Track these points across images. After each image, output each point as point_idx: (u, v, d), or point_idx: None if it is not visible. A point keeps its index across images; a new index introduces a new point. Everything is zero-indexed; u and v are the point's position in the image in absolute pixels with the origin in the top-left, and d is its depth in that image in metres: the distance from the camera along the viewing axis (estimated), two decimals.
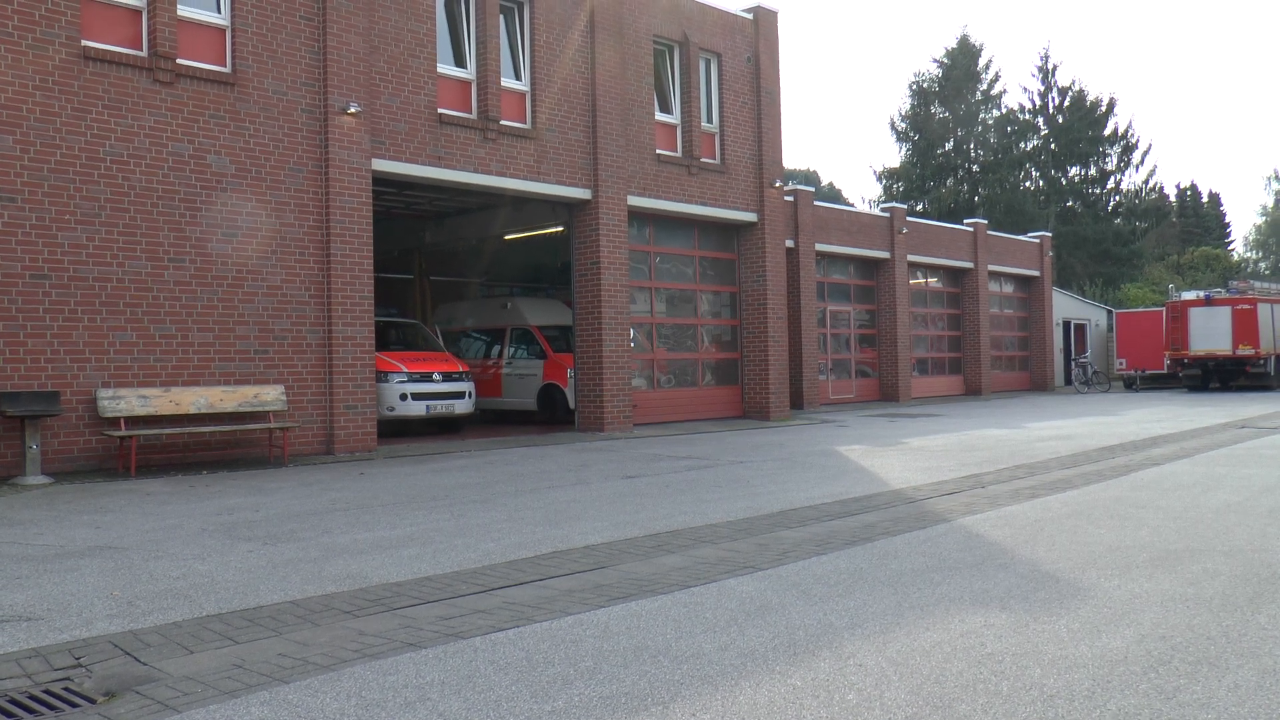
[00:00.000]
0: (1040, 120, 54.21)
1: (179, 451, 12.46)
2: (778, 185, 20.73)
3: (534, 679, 4.02)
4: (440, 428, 17.62)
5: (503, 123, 15.93)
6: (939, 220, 39.79)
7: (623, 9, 17.80)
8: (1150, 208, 54.55)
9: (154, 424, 12.03)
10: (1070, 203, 53.14)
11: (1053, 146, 53.30)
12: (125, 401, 11.65)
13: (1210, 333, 29.77)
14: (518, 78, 16.52)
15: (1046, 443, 13.82)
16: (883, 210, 29.39)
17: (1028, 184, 54.06)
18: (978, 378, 30.43)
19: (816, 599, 5.25)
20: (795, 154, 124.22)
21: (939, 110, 54.15)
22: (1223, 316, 29.64)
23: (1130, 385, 33.93)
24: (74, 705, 3.83)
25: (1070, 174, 53.85)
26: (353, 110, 13.71)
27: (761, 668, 4.12)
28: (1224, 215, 74.34)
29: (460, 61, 15.82)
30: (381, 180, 14.95)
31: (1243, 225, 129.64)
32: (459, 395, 16.84)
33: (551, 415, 19.20)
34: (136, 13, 12.25)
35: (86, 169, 11.69)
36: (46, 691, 3.99)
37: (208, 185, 12.62)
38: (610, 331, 17.30)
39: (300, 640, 4.64)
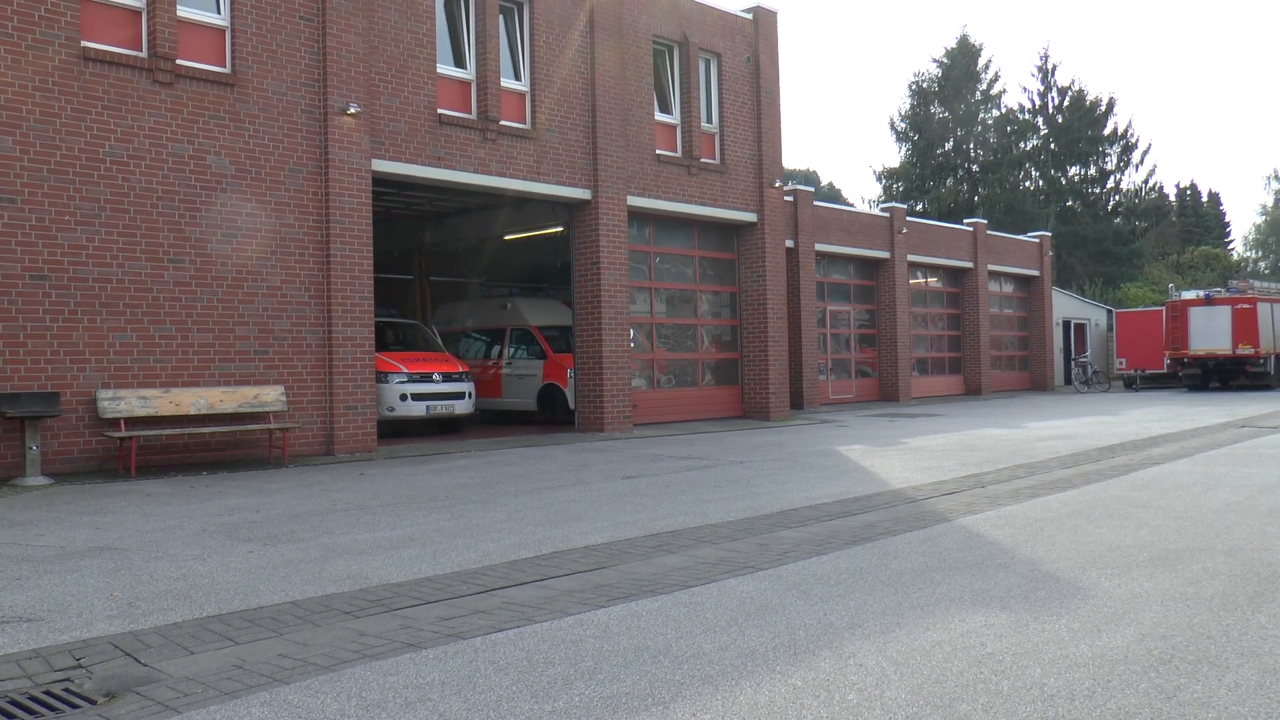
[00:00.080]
0: (1040, 120, 54.24)
1: (179, 452, 12.46)
2: (777, 185, 20.73)
3: (534, 679, 4.02)
4: (440, 428, 17.61)
5: (502, 123, 15.93)
6: (939, 220, 39.80)
7: (622, 9, 17.80)
8: (1150, 207, 54.57)
9: (154, 425, 12.02)
10: (1070, 202, 53.16)
11: (1052, 146, 53.32)
12: (125, 402, 11.65)
13: (1210, 332, 29.77)
14: (517, 78, 16.53)
15: (1046, 442, 13.82)
16: (882, 210, 29.39)
17: (1027, 184, 54.09)
18: (978, 377, 30.43)
19: (817, 599, 5.25)
20: (795, 154, 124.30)
21: (939, 110, 54.17)
22: (1222, 316, 29.65)
23: (1130, 385, 33.93)
24: (74, 706, 3.83)
25: (1070, 174, 53.88)
26: (352, 111, 13.72)
27: (762, 668, 4.12)
28: (1224, 215, 74.39)
29: (460, 62, 15.82)
30: (381, 180, 14.95)
31: (1242, 225, 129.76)
32: (459, 396, 16.84)
33: (551, 415, 19.20)
34: (136, 13, 12.25)
35: (86, 170, 11.69)
36: (47, 692, 3.99)
37: (207, 186, 12.62)
38: (610, 331, 17.30)
39: (300, 641, 4.64)
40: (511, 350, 20.22)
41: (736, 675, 4.03)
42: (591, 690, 3.88)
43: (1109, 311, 37.95)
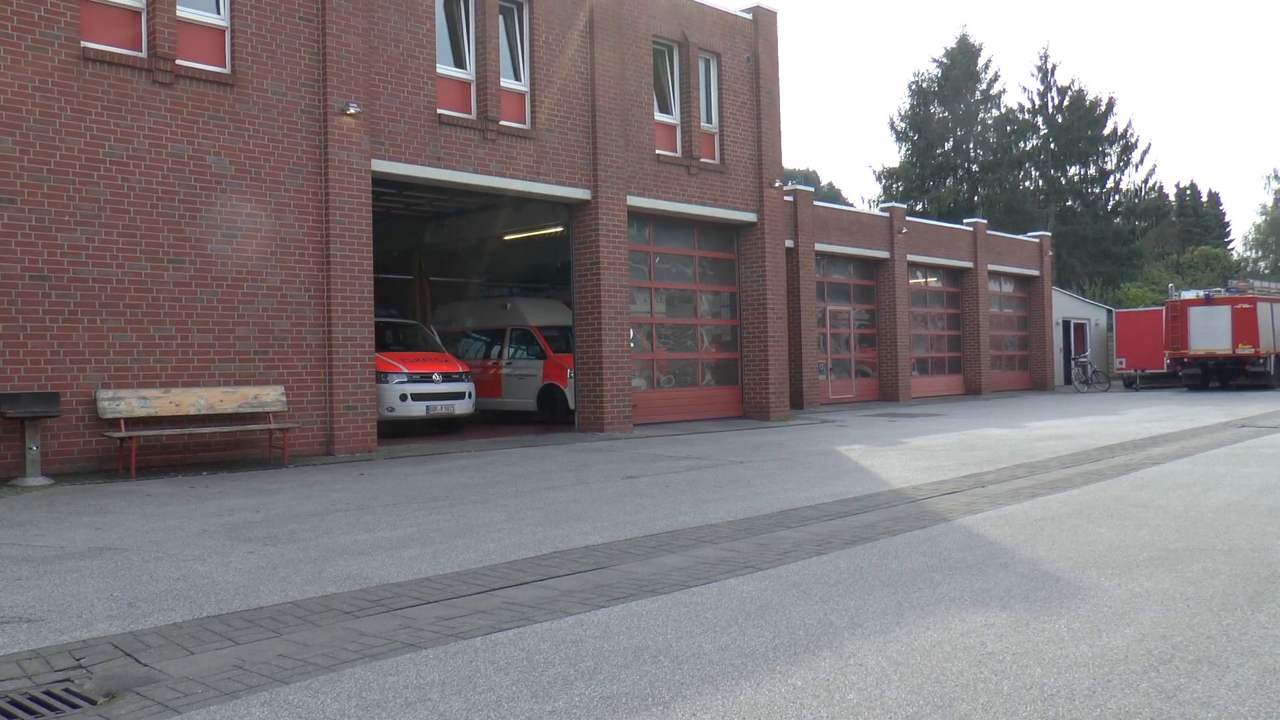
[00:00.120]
0: (1039, 120, 54.24)
1: (179, 452, 12.46)
2: (777, 185, 20.74)
3: (535, 679, 4.02)
4: (440, 428, 17.62)
5: (502, 123, 15.93)
6: (939, 220, 39.80)
7: (622, 9, 17.80)
8: (1150, 207, 54.58)
9: (154, 425, 12.02)
10: (1070, 202, 53.17)
11: (1052, 146, 53.32)
12: (125, 402, 11.65)
13: (1210, 332, 29.78)
14: (517, 78, 16.53)
15: (1046, 442, 13.82)
16: (882, 210, 29.39)
17: (1027, 184, 54.09)
18: (977, 377, 30.43)
19: (817, 599, 5.25)
20: (795, 154, 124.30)
21: (938, 110, 54.17)
22: (1222, 316, 29.65)
23: (1130, 384, 33.93)
24: (74, 706, 3.83)
25: (1070, 173, 53.89)
26: (352, 111, 13.71)
27: (762, 667, 4.12)
28: (1223, 214, 74.35)
29: (460, 62, 15.82)
30: (381, 181, 14.95)
31: (1242, 224, 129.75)
32: (459, 396, 16.85)
33: (551, 415, 19.20)
34: (136, 14, 12.25)
35: (86, 170, 11.69)
36: (47, 693, 3.99)
37: (207, 186, 12.62)
38: (610, 331, 17.30)
39: (300, 641, 4.65)
40: (511, 350, 20.22)
41: (737, 675, 4.03)
42: (592, 690, 3.88)
43: (1109, 311, 37.95)
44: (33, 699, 3.91)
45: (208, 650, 4.51)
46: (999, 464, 11.30)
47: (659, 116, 18.81)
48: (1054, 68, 54.49)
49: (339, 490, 10.16)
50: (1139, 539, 6.69)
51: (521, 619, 4.96)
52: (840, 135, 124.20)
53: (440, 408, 16.53)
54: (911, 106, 54.71)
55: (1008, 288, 33.37)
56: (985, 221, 32.24)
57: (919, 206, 51.44)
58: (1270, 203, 76.22)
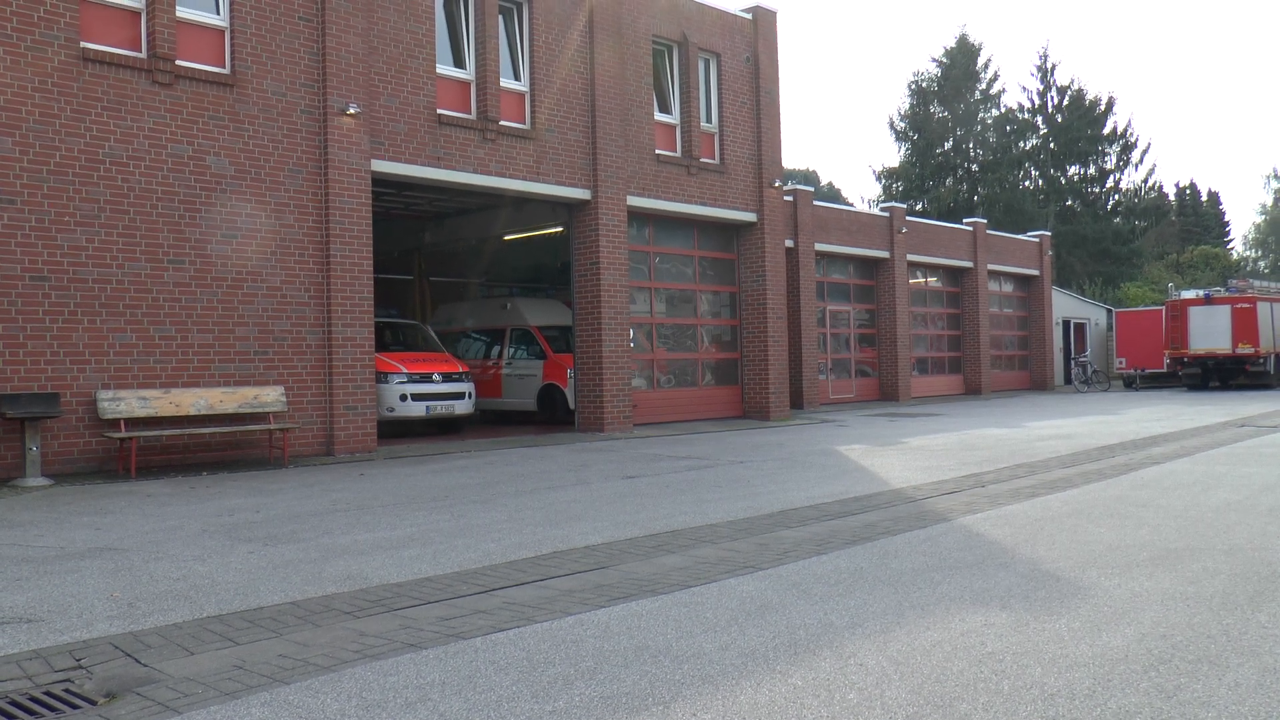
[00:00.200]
0: (1039, 119, 54.25)
1: (179, 453, 12.46)
2: (777, 185, 20.74)
3: (535, 679, 4.03)
4: (440, 428, 17.62)
5: (502, 123, 15.93)
6: (938, 220, 39.80)
7: (622, 9, 17.80)
8: (1149, 206, 54.59)
9: (154, 425, 12.02)
10: (1069, 202, 53.17)
11: (1052, 146, 53.33)
12: (125, 403, 11.65)
13: (1210, 331, 29.78)
14: (517, 78, 16.53)
15: (1046, 442, 13.82)
16: (882, 210, 29.39)
17: (1027, 183, 54.10)
18: (977, 377, 30.43)
19: (817, 598, 5.25)
20: (795, 154, 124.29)
21: (938, 110, 54.16)
22: (1222, 315, 29.66)
23: (1130, 384, 33.93)
24: (74, 707, 3.83)
25: (1069, 173, 53.89)
26: (352, 111, 13.71)
27: (762, 667, 4.12)
28: (1223, 214, 74.38)
29: (459, 62, 15.82)
30: (381, 181, 14.95)
31: (1242, 224, 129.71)
32: (459, 396, 16.85)
33: (551, 415, 19.21)
34: (135, 14, 12.25)
35: (86, 171, 11.69)
36: (47, 693, 3.99)
37: (207, 187, 12.62)
38: (610, 331, 17.30)
39: (301, 641, 4.65)
40: (511, 350, 20.22)
41: (737, 675, 4.03)
42: (592, 690, 3.88)
43: (1109, 311, 37.95)
44: (33, 699, 3.91)
45: (208, 650, 4.51)
46: (999, 464, 11.30)
47: (659, 116, 18.81)
48: (1054, 67, 54.53)
49: (339, 490, 10.16)
50: (1139, 539, 6.69)
51: (522, 619, 4.96)
52: (840, 135, 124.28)
53: (440, 408, 16.53)
54: (911, 106, 54.71)
55: (1007, 287, 33.37)
56: (985, 221, 32.25)
57: (919, 206, 51.43)
58: (1270, 202, 76.21)
